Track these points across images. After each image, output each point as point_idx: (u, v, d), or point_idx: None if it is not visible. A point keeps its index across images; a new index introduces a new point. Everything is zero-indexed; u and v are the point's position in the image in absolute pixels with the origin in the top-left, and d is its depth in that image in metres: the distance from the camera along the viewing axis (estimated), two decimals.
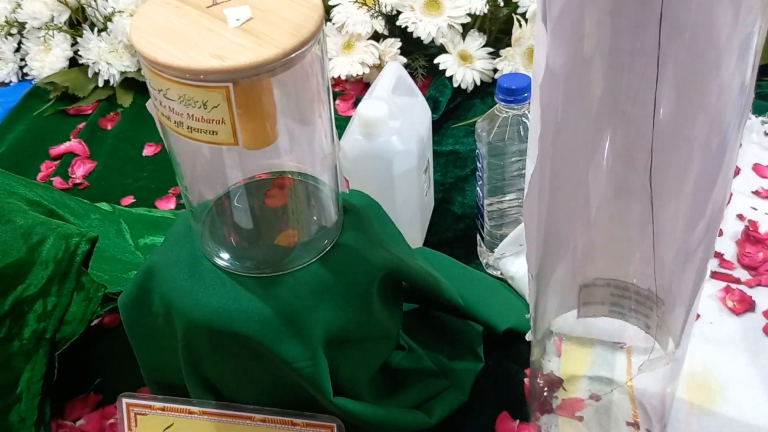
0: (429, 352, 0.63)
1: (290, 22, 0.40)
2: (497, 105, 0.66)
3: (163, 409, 0.53)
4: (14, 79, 1.08)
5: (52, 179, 0.90)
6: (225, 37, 0.39)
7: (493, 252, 0.71)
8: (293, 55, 0.39)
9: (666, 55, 0.35)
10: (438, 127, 0.94)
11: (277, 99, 0.42)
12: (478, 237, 0.75)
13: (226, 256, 0.49)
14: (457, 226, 0.80)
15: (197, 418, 0.52)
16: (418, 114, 0.72)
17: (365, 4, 0.99)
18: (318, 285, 0.48)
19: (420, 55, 1.01)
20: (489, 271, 0.74)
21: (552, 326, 0.56)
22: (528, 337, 0.55)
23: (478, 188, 0.71)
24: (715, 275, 0.69)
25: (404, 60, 1.00)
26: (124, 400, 0.53)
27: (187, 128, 0.40)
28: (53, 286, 0.57)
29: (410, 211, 0.72)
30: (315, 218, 0.52)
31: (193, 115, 0.39)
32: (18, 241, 0.56)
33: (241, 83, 0.39)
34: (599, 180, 0.43)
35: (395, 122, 0.68)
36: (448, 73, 0.97)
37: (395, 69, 0.72)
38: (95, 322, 0.70)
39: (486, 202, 0.70)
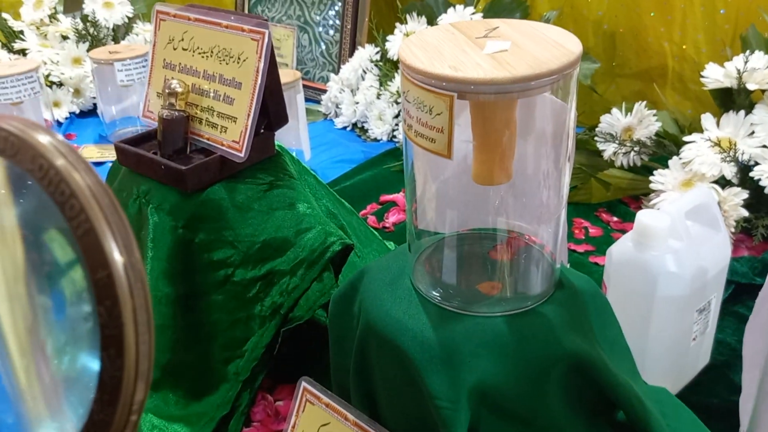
0: None
1: (536, 59, 0.41)
2: None
3: (327, 405, 0.55)
4: (384, 138, 1.26)
5: (368, 217, 1.02)
6: (471, 57, 0.42)
7: None
8: (523, 84, 0.39)
9: None
10: (755, 292, 0.81)
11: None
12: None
13: (424, 280, 0.50)
14: (729, 397, 0.67)
15: (349, 426, 0.53)
16: (711, 248, 0.64)
17: (719, 146, 0.92)
18: (492, 337, 0.46)
19: (767, 215, 0.89)
20: None
21: None
22: None
23: None
24: None
25: (746, 214, 0.89)
26: (303, 383, 0.57)
27: (414, 132, 0.43)
28: (300, 269, 0.64)
29: (665, 347, 0.63)
30: (524, 280, 0.50)
31: (420, 119, 0.42)
32: (291, 223, 0.65)
33: (469, 98, 0.41)
34: None
35: (677, 243, 0.61)
36: None
37: (702, 194, 0.65)
38: None
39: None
